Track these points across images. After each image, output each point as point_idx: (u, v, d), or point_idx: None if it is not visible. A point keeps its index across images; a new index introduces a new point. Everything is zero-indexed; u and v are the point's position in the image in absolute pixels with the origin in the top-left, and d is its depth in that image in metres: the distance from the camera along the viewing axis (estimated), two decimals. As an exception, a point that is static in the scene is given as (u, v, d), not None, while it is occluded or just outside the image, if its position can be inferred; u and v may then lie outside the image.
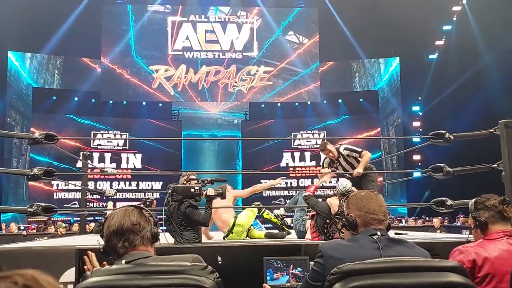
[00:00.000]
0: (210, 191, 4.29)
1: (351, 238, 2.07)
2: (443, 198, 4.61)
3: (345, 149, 5.72)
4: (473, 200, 2.61)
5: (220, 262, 3.03)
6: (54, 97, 18.10)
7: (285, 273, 2.85)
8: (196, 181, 4.40)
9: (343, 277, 1.69)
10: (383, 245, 1.90)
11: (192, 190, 4.00)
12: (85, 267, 2.18)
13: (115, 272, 1.71)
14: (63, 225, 10.64)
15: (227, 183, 4.99)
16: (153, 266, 1.75)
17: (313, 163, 18.09)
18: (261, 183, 16.57)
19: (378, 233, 1.96)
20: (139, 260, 1.79)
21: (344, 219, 2.10)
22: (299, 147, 18.43)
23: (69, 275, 3.24)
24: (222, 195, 4.28)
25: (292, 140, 18.46)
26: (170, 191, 4.06)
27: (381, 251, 1.88)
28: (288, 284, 2.78)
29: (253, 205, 5.82)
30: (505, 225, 2.49)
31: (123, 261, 1.80)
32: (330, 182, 5.64)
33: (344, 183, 4.95)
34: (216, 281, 1.72)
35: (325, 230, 4.74)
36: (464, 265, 2.16)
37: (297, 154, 18.41)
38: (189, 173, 4.91)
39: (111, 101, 18.73)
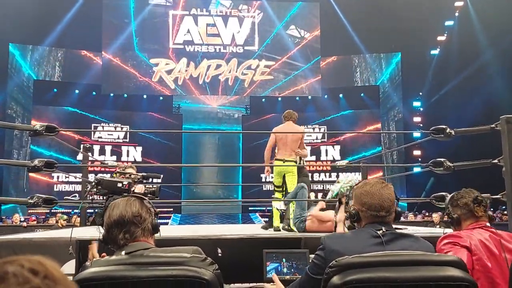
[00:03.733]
0: (139, 188, 3.69)
1: (354, 231, 2.06)
2: (443, 193, 4.61)
3: None
4: (450, 195, 2.71)
5: (220, 254, 3.03)
6: (55, 90, 18.09)
7: (285, 266, 2.86)
8: (127, 175, 3.65)
9: (341, 270, 1.68)
10: (386, 239, 1.88)
11: (119, 185, 3.35)
12: (89, 256, 2.19)
13: (114, 263, 1.72)
14: (64, 217, 10.66)
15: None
16: (152, 258, 1.75)
17: (313, 157, 18.11)
18: (261, 177, 16.87)
19: (383, 228, 1.94)
20: (139, 252, 1.80)
21: (347, 212, 2.08)
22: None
23: (69, 266, 3.24)
24: (155, 194, 3.63)
25: (293, 135, 18.40)
26: (94, 183, 3.34)
27: (384, 245, 1.86)
28: (288, 276, 2.78)
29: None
30: (477, 221, 2.56)
31: (123, 252, 1.80)
32: None
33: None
34: (215, 273, 1.72)
35: None
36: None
37: (297, 149, 18.42)
38: (128, 164, 4.10)
39: (111, 94, 18.72)
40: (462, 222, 2.60)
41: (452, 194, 2.70)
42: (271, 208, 6.18)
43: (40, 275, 0.58)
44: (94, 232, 2.74)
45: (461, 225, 2.61)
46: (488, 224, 2.57)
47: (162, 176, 3.96)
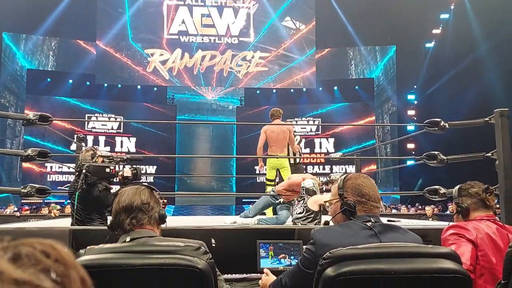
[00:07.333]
0: (127, 171, 3.60)
1: (343, 224, 2.00)
2: (436, 187, 4.61)
3: None
4: (457, 186, 2.71)
5: (214, 245, 3.03)
6: (49, 79, 17.99)
7: (278, 257, 2.86)
8: (108, 159, 3.62)
9: (335, 261, 1.67)
10: (378, 231, 1.88)
11: (108, 170, 3.33)
12: None
13: (108, 251, 1.72)
14: (57, 207, 10.66)
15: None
16: (146, 246, 1.76)
17: (307, 150, 18.12)
18: (255, 169, 16.84)
19: (372, 219, 1.92)
20: (144, 239, 1.85)
21: (343, 204, 2.01)
22: (294, 133, 18.36)
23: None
24: (137, 176, 3.60)
25: (287, 127, 18.43)
26: (84, 171, 3.27)
27: (378, 237, 1.85)
28: (282, 267, 2.79)
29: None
30: (486, 212, 2.58)
31: (129, 238, 1.85)
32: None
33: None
34: (209, 262, 1.72)
35: None
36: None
37: (291, 141, 18.41)
38: (95, 147, 4.08)
39: (105, 84, 18.62)
40: (471, 212, 2.60)
41: (459, 185, 2.70)
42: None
43: (52, 258, 0.59)
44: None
45: (469, 215, 2.60)
46: (497, 218, 2.59)
47: (143, 159, 3.98)
